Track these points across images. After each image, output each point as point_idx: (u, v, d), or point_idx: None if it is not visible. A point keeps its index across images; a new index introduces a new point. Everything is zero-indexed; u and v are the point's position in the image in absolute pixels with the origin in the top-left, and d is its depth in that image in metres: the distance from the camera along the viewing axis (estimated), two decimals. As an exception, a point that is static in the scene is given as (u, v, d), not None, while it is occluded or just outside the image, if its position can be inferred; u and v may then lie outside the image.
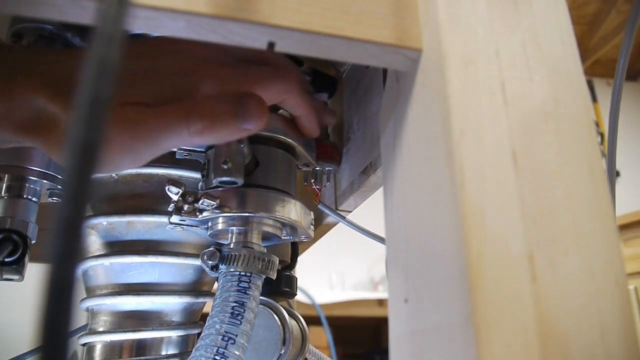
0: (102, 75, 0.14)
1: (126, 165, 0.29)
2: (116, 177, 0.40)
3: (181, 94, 0.29)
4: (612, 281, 0.20)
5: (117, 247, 0.40)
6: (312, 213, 0.40)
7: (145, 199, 0.41)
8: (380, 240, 0.43)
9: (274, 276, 0.37)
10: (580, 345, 0.18)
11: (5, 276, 0.38)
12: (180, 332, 0.41)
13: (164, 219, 0.39)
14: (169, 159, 0.38)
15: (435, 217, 0.21)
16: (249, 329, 0.33)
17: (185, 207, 0.33)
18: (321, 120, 0.39)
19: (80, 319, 0.43)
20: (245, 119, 0.29)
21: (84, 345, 0.41)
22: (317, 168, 0.43)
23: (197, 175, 0.41)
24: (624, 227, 1.81)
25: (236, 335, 0.32)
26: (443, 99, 0.21)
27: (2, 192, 0.39)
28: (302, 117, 0.37)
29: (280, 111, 0.40)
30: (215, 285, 0.39)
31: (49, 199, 0.42)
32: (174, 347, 0.41)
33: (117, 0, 0.15)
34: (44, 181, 0.40)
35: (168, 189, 0.33)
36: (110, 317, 0.40)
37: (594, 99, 2.94)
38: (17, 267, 0.38)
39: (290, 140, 0.37)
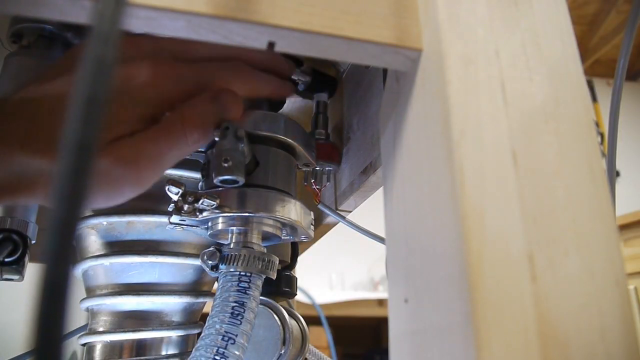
0: (98, 74, 0.14)
1: (134, 194, 0.29)
2: (116, 177, 0.40)
3: (152, 107, 0.29)
4: (612, 281, 0.20)
5: (117, 247, 0.40)
6: (312, 213, 0.40)
7: (145, 199, 0.41)
8: (380, 240, 0.43)
9: (274, 276, 0.37)
10: (580, 345, 0.18)
11: (5, 276, 0.38)
12: (180, 332, 0.41)
13: (164, 219, 0.39)
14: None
15: (435, 217, 0.21)
16: (249, 329, 0.33)
17: (185, 207, 0.33)
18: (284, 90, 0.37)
19: (80, 319, 0.43)
20: (227, 112, 0.31)
21: (84, 345, 0.41)
22: (317, 168, 0.43)
23: (197, 175, 0.41)
24: (624, 227, 1.81)
25: (236, 335, 0.32)
26: (443, 99, 0.21)
27: (2, 192, 0.39)
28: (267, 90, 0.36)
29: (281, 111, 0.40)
30: (215, 285, 0.39)
31: (49, 199, 0.42)
32: (174, 347, 0.41)
33: (113, 0, 0.15)
34: (44, 181, 0.40)
35: (168, 189, 0.33)
36: (110, 317, 0.40)
37: (594, 99, 2.94)
38: (17, 267, 0.38)
39: (290, 140, 0.37)
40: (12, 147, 0.25)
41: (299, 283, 0.52)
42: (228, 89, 0.31)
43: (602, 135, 2.68)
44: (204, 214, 0.34)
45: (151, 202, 0.40)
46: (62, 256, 0.12)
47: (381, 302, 2.37)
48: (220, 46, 0.32)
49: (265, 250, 0.36)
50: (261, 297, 0.39)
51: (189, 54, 0.32)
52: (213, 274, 0.36)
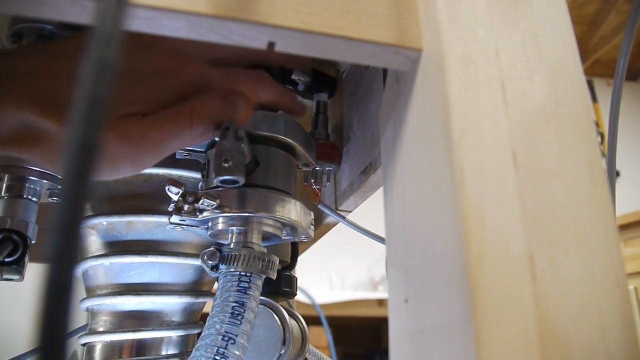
0: (100, 75, 0.14)
1: (130, 173, 0.30)
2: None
3: (168, 96, 0.30)
4: (612, 281, 0.20)
5: (117, 247, 0.40)
6: (312, 213, 0.40)
7: (145, 199, 0.41)
8: (380, 240, 0.43)
9: (274, 276, 0.37)
10: (580, 345, 0.18)
11: (5, 276, 0.38)
12: (180, 332, 0.41)
13: (164, 219, 0.39)
14: (168, 159, 0.38)
15: (435, 217, 0.21)
16: (249, 329, 0.33)
17: (185, 207, 0.33)
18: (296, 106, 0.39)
19: (80, 319, 0.43)
20: (235, 114, 0.31)
21: (84, 345, 0.41)
22: (317, 168, 0.43)
23: (197, 175, 0.41)
24: (624, 227, 1.81)
25: (236, 335, 0.32)
26: (443, 99, 0.21)
27: (2, 192, 0.39)
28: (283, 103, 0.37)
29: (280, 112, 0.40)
30: (215, 285, 0.39)
31: (49, 199, 0.42)
32: (174, 347, 0.41)
33: (115, 0, 0.15)
34: (44, 181, 0.40)
35: (168, 189, 0.33)
36: (110, 317, 0.40)
37: (594, 99, 2.94)
38: (17, 267, 0.38)
39: (290, 140, 0.37)
40: (25, 103, 0.27)
41: (299, 283, 0.52)
42: (241, 92, 0.32)
43: (602, 135, 2.68)
44: (204, 214, 0.34)
45: (151, 202, 0.40)
46: (67, 256, 0.12)
47: (381, 302, 2.37)
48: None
49: (265, 250, 0.36)
50: (261, 297, 0.39)
51: (216, 53, 0.33)
52: (213, 274, 0.36)
